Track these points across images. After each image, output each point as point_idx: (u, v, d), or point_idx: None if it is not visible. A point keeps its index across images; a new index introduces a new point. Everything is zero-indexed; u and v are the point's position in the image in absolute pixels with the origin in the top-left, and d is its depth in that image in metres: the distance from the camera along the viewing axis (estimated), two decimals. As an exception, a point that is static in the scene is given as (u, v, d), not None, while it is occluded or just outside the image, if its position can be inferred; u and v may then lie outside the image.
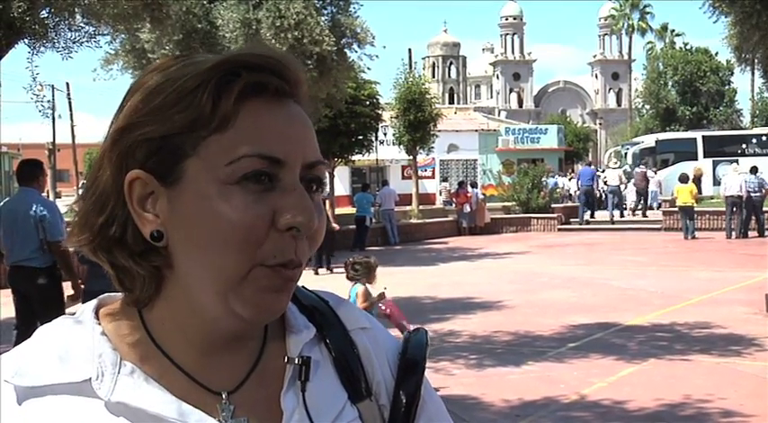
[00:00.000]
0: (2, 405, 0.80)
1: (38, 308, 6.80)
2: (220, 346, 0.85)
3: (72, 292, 6.86)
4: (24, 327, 6.89)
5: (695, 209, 21.48)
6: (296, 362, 0.86)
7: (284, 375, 0.87)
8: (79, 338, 0.83)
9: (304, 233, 0.80)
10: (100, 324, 0.85)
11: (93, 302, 0.88)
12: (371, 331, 0.95)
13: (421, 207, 27.66)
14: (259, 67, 0.81)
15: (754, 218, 21.07)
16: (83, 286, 6.72)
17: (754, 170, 21.31)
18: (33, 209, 6.66)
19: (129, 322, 0.85)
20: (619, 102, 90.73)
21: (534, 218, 25.21)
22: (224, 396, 0.84)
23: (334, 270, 16.33)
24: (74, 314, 0.88)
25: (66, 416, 0.79)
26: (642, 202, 27.42)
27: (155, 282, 0.84)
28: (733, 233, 20.59)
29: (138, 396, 0.80)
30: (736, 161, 25.98)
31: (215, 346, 0.85)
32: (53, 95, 43.33)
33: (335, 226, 16.86)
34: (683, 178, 21.43)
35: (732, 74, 57.04)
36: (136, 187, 0.81)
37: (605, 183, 27.72)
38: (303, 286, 0.96)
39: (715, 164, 30.00)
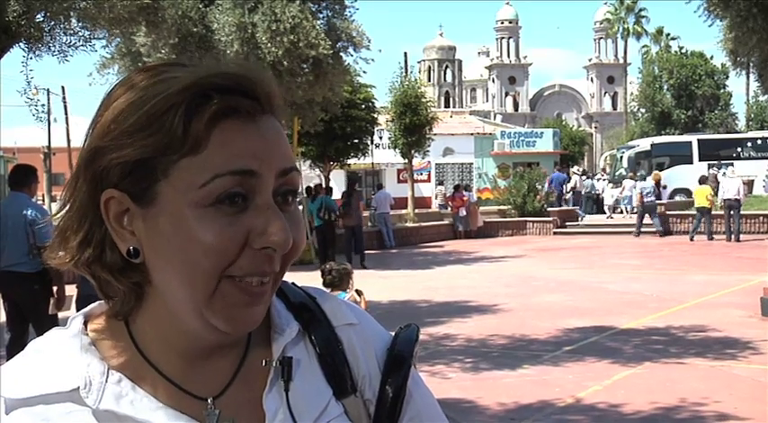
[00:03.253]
0: None
1: (28, 313, 6.79)
2: (204, 355, 0.87)
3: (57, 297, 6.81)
4: (16, 331, 6.88)
5: (712, 212, 21.41)
6: (274, 364, 0.88)
7: (268, 376, 0.88)
8: (68, 350, 0.85)
9: (280, 252, 0.82)
10: (88, 335, 0.87)
11: (81, 314, 0.90)
12: (358, 327, 0.95)
13: (416, 211, 27.67)
14: (230, 88, 0.81)
15: (650, 219, 23.75)
16: (76, 290, 6.70)
17: (642, 177, 25.71)
18: (24, 213, 6.64)
19: (115, 333, 0.87)
20: (614, 105, 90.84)
21: (530, 221, 25.22)
22: (209, 401, 0.85)
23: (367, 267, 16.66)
24: (64, 326, 0.89)
25: None
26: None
27: (135, 295, 0.85)
28: (732, 236, 20.61)
29: (125, 404, 0.82)
30: (731, 164, 26.02)
31: (198, 354, 0.87)
32: (48, 99, 43.33)
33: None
34: (702, 180, 21.48)
35: (727, 77, 57.23)
36: (111, 206, 0.83)
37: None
38: (293, 283, 0.97)
39: (710, 167, 30.04)
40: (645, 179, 25.19)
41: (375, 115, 26.95)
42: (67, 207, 0.86)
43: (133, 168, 0.81)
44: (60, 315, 6.73)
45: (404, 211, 27.15)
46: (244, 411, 0.86)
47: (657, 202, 26.84)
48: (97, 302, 0.91)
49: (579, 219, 26.98)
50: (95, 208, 0.83)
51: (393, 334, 0.97)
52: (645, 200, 23.86)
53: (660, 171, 31.37)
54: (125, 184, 0.82)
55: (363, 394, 0.92)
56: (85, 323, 0.89)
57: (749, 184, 26.95)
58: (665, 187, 29.52)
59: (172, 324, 0.85)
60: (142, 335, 0.86)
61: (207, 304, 0.81)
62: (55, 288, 6.76)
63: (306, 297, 0.95)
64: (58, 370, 0.83)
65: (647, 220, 23.53)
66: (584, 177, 32.90)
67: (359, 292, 7.00)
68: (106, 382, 0.82)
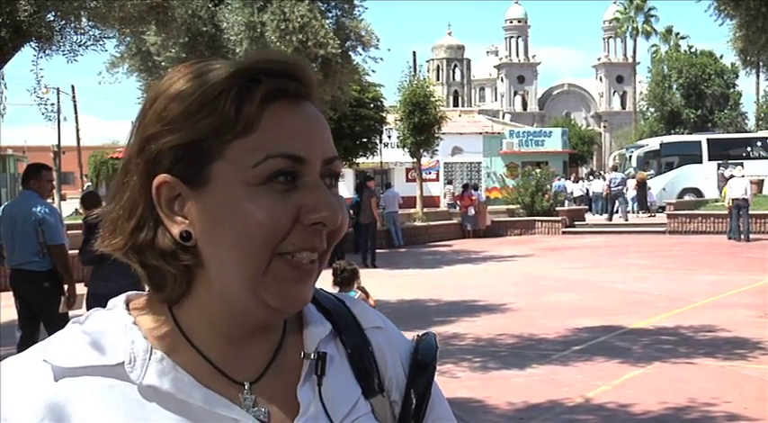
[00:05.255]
0: (39, 382, 0.83)
1: (39, 311, 6.82)
2: (246, 337, 0.89)
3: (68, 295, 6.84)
4: (27, 329, 6.91)
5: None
6: (312, 357, 0.91)
7: (301, 369, 0.91)
8: (112, 327, 0.87)
9: (329, 227, 0.85)
10: (131, 315, 0.89)
11: (123, 297, 0.92)
12: (385, 331, 0.99)
13: (425, 210, 27.65)
14: (278, 72, 0.85)
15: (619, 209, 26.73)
16: (86, 288, 6.73)
17: (615, 168, 29.32)
18: (33, 212, 6.67)
19: (158, 315, 0.89)
20: (623, 105, 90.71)
21: (538, 221, 25.19)
22: (246, 386, 0.88)
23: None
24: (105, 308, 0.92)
25: (100, 394, 0.83)
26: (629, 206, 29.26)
27: (185, 279, 0.88)
28: (742, 235, 20.51)
29: (167, 381, 0.84)
30: (741, 164, 25.93)
31: (241, 336, 0.89)
32: (58, 98, 43.47)
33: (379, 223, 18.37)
34: (730, 177, 21.37)
35: (737, 77, 57.07)
36: (163, 191, 0.85)
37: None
38: (322, 288, 1.00)
39: (719, 167, 29.97)
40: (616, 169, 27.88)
41: (384, 114, 26.97)
42: (115, 201, 0.88)
43: (186, 152, 0.84)
44: (71, 314, 6.75)
45: (412, 211, 27.13)
46: (277, 400, 0.89)
47: (658, 202, 27.46)
48: (133, 292, 0.93)
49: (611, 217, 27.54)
50: (147, 195, 0.86)
51: (414, 340, 1.01)
52: (612, 189, 26.87)
53: (670, 170, 31.35)
54: (177, 168, 0.85)
55: (390, 395, 0.95)
56: (127, 305, 0.91)
57: (759, 184, 26.85)
58: (649, 188, 29.56)
59: (221, 305, 0.87)
60: (187, 318, 0.89)
61: (260, 281, 0.83)
62: (66, 286, 6.79)
63: (335, 301, 0.99)
64: (103, 344, 0.85)
65: (650, 218, 23.78)
66: (587, 180, 33.09)
67: (365, 291, 7.04)
68: (150, 359, 0.85)
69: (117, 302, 0.91)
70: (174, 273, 0.87)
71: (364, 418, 0.92)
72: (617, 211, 27.95)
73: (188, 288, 0.88)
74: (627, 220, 26.90)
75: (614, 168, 32.22)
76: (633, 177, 30.84)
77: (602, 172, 45.87)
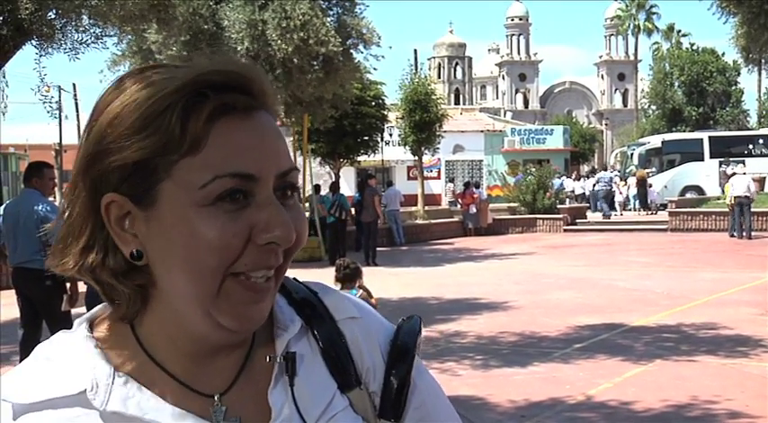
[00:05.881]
0: None
1: (41, 309, 6.82)
2: (210, 354, 0.87)
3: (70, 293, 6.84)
4: (29, 327, 6.91)
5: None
6: (278, 360, 0.88)
7: (272, 372, 0.88)
8: (74, 353, 0.85)
9: (283, 246, 0.82)
10: (93, 338, 0.87)
11: (86, 318, 0.90)
12: (361, 320, 0.95)
13: (426, 208, 27.65)
14: (224, 85, 0.81)
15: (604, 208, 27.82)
16: (85, 287, 6.73)
17: (605, 168, 31.17)
18: (35, 210, 6.67)
19: (120, 336, 0.87)
20: (625, 102, 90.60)
21: (540, 218, 25.18)
22: (216, 398, 0.86)
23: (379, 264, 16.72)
24: (71, 328, 0.90)
25: None
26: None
27: (140, 298, 0.86)
28: (744, 233, 20.50)
29: (132, 405, 0.82)
30: (743, 162, 25.90)
31: (205, 354, 0.87)
32: (60, 96, 43.49)
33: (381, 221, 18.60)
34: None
35: (739, 74, 56.93)
36: (112, 209, 0.83)
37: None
38: (294, 278, 0.97)
39: (721, 164, 29.96)
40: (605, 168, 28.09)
41: (385, 112, 26.95)
42: (66, 215, 0.86)
43: (133, 171, 0.81)
44: (73, 311, 6.76)
45: (414, 209, 27.14)
46: (249, 407, 0.87)
47: (659, 200, 27.60)
48: (101, 305, 0.91)
49: (603, 217, 27.88)
50: (96, 213, 0.83)
51: (397, 326, 0.98)
52: (596, 187, 28.46)
53: (671, 168, 31.34)
54: (125, 187, 0.82)
55: (368, 387, 0.92)
56: (91, 326, 0.89)
57: (761, 181, 26.83)
58: (650, 186, 29.58)
59: (178, 325, 0.85)
60: (148, 336, 0.86)
61: (213, 303, 0.81)
62: (68, 285, 6.79)
63: (307, 292, 0.95)
64: (64, 374, 0.83)
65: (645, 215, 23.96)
66: (588, 178, 33.52)
67: (366, 291, 7.02)
68: (113, 383, 0.83)
69: (80, 325, 0.89)
70: (128, 292, 0.85)
71: (342, 414, 0.89)
72: (601, 210, 28.42)
73: (144, 306, 0.86)
74: (609, 218, 27.55)
75: (604, 167, 32.69)
76: (634, 175, 30.86)
77: (603, 170, 45.82)
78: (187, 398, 0.85)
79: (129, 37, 13.86)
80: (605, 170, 37.06)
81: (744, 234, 20.43)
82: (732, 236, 20.56)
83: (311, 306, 0.94)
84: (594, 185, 31.05)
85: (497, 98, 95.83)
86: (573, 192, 33.77)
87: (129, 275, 0.84)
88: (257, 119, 0.83)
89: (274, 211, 0.81)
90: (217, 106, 0.80)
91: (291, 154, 0.89)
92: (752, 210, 20.63)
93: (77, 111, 49.56)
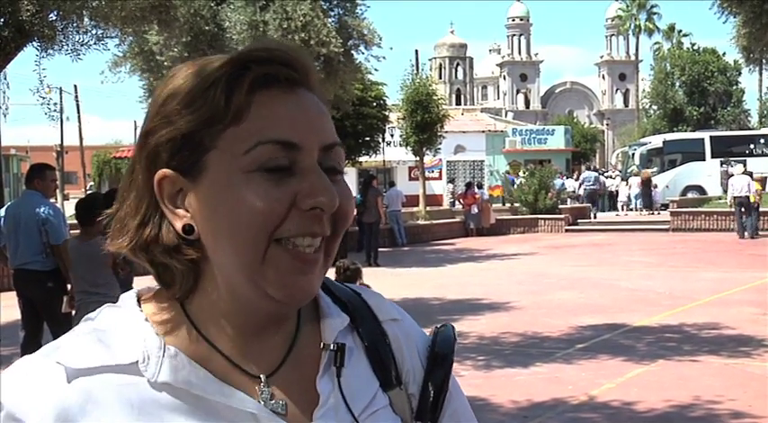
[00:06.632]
0: (53, 383, 0.83)
1: (42, 310, 6.82)
2: (258, 330, 0.89)
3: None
4: (30, 329, 6.91)
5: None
6: (331, 348, 0.90)
7: (319, 360, 0.90)
8: (124, 324, 0.87)
9: (327, 211, 0.83)
10: (142, 311, 0.89)
11: (133, 293, 0.92)
12: (402, 323, 0.99)
13: (428, 208, 27.64)
14: (267, 59, 0.85)
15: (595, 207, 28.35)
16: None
17: (592, 168, 31.79)
18: (36, 212, 6.67)
19: (170, 311, 0.89)
20: (626, 102, 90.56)
21: (541, 219, 25.17)
22: (263, 378, 0.87)
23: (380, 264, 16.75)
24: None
25: (114, 394, 0.83)
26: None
27: (192, 275, 0.87)
28: (746, 233, 20.46)
29: (181, 377, 0.84)
30: (744, 162, 25.88)
31: (254, 329, 0.88)
32: (61, 98, 43.42)
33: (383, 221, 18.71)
34: (749, 175, 21.33)
35: (740, 74, 56.89)
36: (165, 185, 0.86)
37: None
38: (337, 280, 1.00)
39: (722, 164, 29.96)
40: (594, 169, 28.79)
41: (386, 113, 26.93)
42: (124, 197, 0.89)
43: (182, 144, 0.84)
44: (74, 313, 6.75)
45: (415, 209, 27.12)
46: (295, 392, 0.88)
47: (661, 200, 27.74)
48: (145, 287, 0.93)
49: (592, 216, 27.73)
50: (151, 191, 0.86)
51: (432, 332, 1.01)
52: (585, 188, 29.44)
53: (673, 168, 31.34)
54: (175, 161, 0.85)
55: (407, 388, 0.95)
56: (138, 301, 0.91)
57: (762, 182, 26.84)
58: (655, 186, 29.57)
59: (228, 298, 0.87)
60: (198, 312, 0.88)
61: (259, 270, 0.83)
62: (69, 286, 6.79)
63: (351, 293, 0.99)
64: (116, 343, 0.85)
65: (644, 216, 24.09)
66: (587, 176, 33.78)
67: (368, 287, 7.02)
68: (163, 355, 0.84)
69: (128, 298, 0.91)
70: (181, 268, 0.86)
71: (383, 411, 0.91)
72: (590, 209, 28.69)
73: (196, 283, 0.88)
74: (595, 218, 27.77)
75: (594, 169, 33.04)
76: (636, 175, 30.85)
77: (603, 170, 45.82)
78: (234, 375, 0.87)
79: (131, 38, 13.85)
80: (592, 170, 37.18)
81: (746, 234, 20.40)
82: (742, 237, 20.41)
83: (355, 305, 0.97)
84: (580, 185, 31.24)
85: (498, 98, 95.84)
86: (574, 192, 33.79)
87: (181, 250, 0.86)
88: (299, 94, 0.86)
89: (317, 179, 0.83)
90: (258, 77, 0.84)
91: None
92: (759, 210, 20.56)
93: (79, 112, 49.58)
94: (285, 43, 0.89)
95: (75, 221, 6.30)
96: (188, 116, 0.83)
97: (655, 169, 31.39)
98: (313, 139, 0.84)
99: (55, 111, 13.17)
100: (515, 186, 29.56)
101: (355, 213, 19.35)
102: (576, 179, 36.72)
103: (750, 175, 21.05)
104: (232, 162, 0.82)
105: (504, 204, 28.62)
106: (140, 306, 0.90)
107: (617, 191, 33.65)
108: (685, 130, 45.94)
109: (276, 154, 0.82)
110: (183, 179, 0.85)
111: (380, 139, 27.34)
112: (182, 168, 0.84)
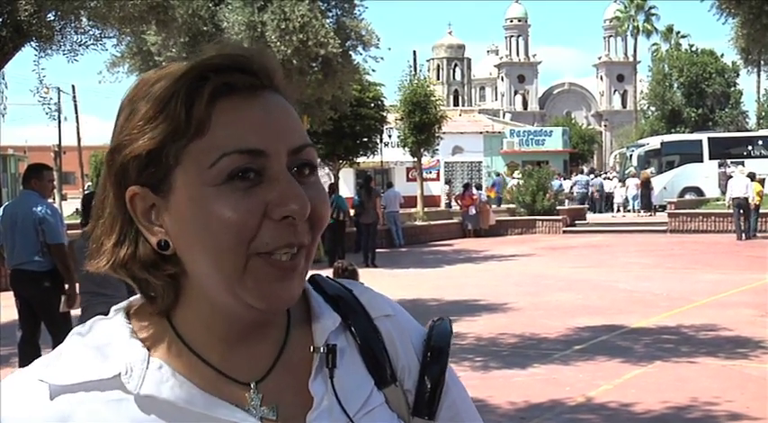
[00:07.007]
0: (35, 401, 0.83)
1: (39, 311, 6.80)
2: (244, 337, 0.88)
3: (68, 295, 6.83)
4: (28, 329, 6.89)
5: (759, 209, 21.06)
6: (321, 350, 0.89)
7: (311, 363, 0.89)
8: (110, 338, 0.87)
9: (299, 220, 0.82)
10: (129, 324, 0.88)
11: (124, 304, 0.92)
12: (395, 318, 0.97)
13: (426, 209, 27.64)
14: (226, 67, 0.83)
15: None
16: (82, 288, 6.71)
17: (591, 171, 32.55)
18: (34, 211, 6.65)
19: (156, 324, 0.88)
20: (624, 103, 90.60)
21: (539, 220, 25.18)
22: (252, 385, 0.87)
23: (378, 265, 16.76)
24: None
25: (96, 409, 0.83)
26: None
27: (173, 289, 0.87)
28: (743, 234, 20.46)
29: (165, 389, 0.83)
30: (742, 163, 25.90)
31: (239, 337, 0.88)
32: (59, 98, 43.42)
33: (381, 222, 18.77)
34: (751, 176, 21.38)
35: (738, 75, 57.01)
36: (137, 202, 0.84)
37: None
38: (328, 276, 0.99)
39: (720, 166, 29.98)
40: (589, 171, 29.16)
41: (384, 114, 26.92)
42: (98, 216, 0.88)
43: (147, 160, 0.82)
44: (72, 313, 6.74)
45: (413, 210, 27.12)
46: (287, 396, 0.88)
47: (658, 201, 27.80)
48: (136, 296, 0.92)
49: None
50: (123, 208, 0.85)
51: (427, 326, 0.99)
52: (576, 191, 30.55)
53: (670, 169, 31.36)
54: (143, 177, 0.83)
55: (403, 384, 0.94)
56: (127, 315, 0.90)
57: (760, 183, 26.87)
58: (651, 188, 29.61)
59: (210, 309, 0.86)
60: (183, 324, 0.88)
61: (238, 282, 0.82)
62: (66, 286, 6.78)
63: (342, 289, 0.97)
64: (100, 357, 0.84)
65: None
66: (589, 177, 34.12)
67: None
68: (147, 368, 0.84)
69: (118, 310, 0.91)
70: (160, 283, 0.86)
71: (379, 410, 0.90)
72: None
73: (178, 297, 0.87)
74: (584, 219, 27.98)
75: (592, 171, 33.30)
76: (634, 176, 30.88)
77: (600, 171, 45.85)
78: (223, 385, 0.86)
79: (129, 38, 13.85)
80: (586, 173, 37.37)
81: (743, 235, 20.41)
82: (740, 239, 20.42)
83: (347, 303, 0.95)
84: (572, 187, 31.71)
85: (496, 99, 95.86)
86: (571, 193, 33.83)
87: (159, 266, 0.85)
88: (262, 97, 0.84)
89: (287, 186, 0.81)
90: (217, 87, 0.81)
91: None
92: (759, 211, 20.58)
93: (76, 112, 49.53)
94: (245, 47, 0.87)
95: (75, 221, 6.29)
96: (150, 132, 0.82)
97: (652, 170, 31.43)
98: (280, 143, 0.82)
99: (53, 111, 13.16)
100: (509, 187, 29.63)
101: (353, 214, 19.44)
102: (566, 179, 36.82)
103: (753, 176, 21.03)
104: (199, 176, 0.81)
105: (499, 205, 28.56)
106: (129, 318, 0.89)
107: (614, 192, 33.68)
108: (683, 132, 46.01)
109: (242, 163, 0.80)
110: (153, 195, 0.84)
111: (378, 140, 27.33)
112: (150, 184, 0.83)
